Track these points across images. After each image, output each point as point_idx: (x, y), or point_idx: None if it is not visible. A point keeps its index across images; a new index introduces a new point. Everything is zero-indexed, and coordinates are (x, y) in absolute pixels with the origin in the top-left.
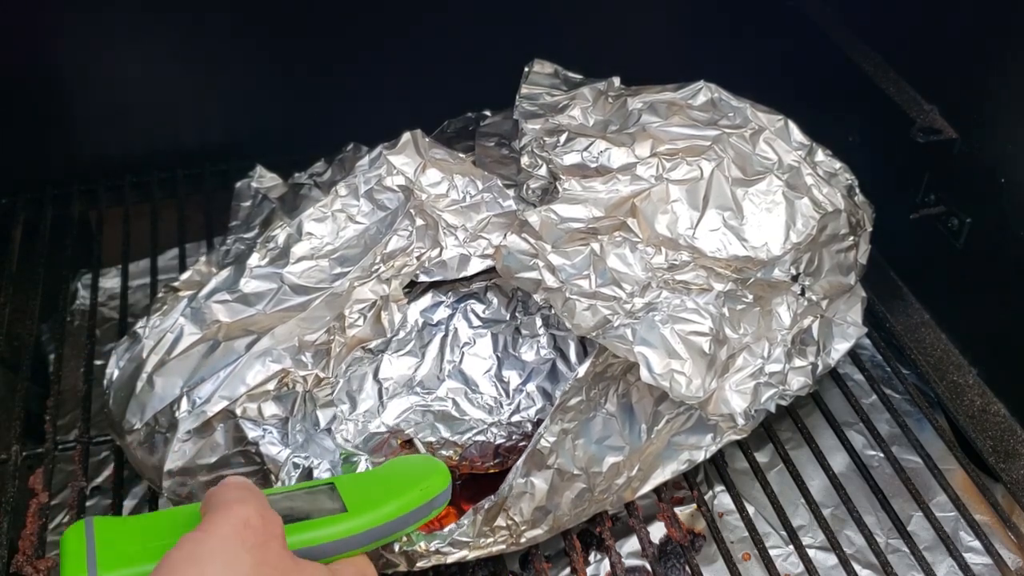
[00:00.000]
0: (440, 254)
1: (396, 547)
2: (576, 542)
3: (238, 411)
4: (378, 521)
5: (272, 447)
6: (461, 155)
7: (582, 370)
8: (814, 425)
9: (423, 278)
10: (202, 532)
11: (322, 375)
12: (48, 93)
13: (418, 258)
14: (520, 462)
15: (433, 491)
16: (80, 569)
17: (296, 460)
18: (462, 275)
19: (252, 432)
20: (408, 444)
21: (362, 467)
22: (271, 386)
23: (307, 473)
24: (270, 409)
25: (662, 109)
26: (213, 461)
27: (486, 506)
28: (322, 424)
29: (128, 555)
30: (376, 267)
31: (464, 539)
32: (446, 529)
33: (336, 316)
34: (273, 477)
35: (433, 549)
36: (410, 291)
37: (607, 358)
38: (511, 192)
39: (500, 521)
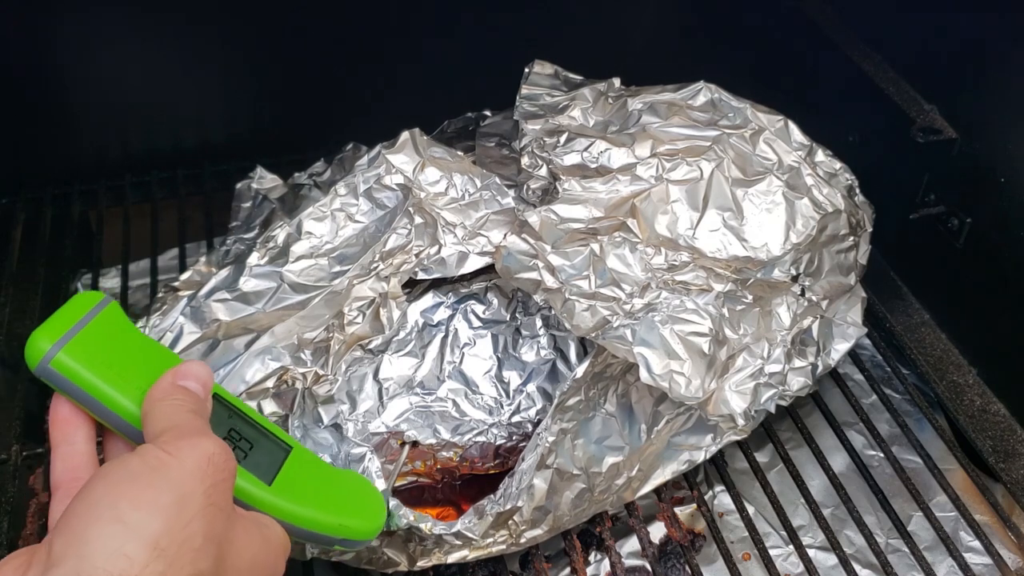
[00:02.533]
0: (439, 251)
1: (396, 525)
2: (576, 542)
3: None
4: (286, 516)
5: None
6: (460, 153)
7: (580, 370)
8: (814, 425)
9: (422, 275)
10: (167, 455)
11: (321, 372)
12: (48, 93)
13: (417, 256)
14: (527, 464)
15: (350, 534)
16: (56, 332)
17: None
18: (461, 272)
19: None
20: (413, 446)
21: (367, 462)
22: (270, 383)
23: None
24: (270, 406)
25: (662, 109)
26: None
27: (495, 509)
28: (325, 421)
29: (99, 358)
30: (375, 265)
31: (470, 535)
32: (457, 523)
33: (335, 314)
34: None
35: (436, 532)
36: (410, 291)
37: (606, 358)
38: (510, 190)
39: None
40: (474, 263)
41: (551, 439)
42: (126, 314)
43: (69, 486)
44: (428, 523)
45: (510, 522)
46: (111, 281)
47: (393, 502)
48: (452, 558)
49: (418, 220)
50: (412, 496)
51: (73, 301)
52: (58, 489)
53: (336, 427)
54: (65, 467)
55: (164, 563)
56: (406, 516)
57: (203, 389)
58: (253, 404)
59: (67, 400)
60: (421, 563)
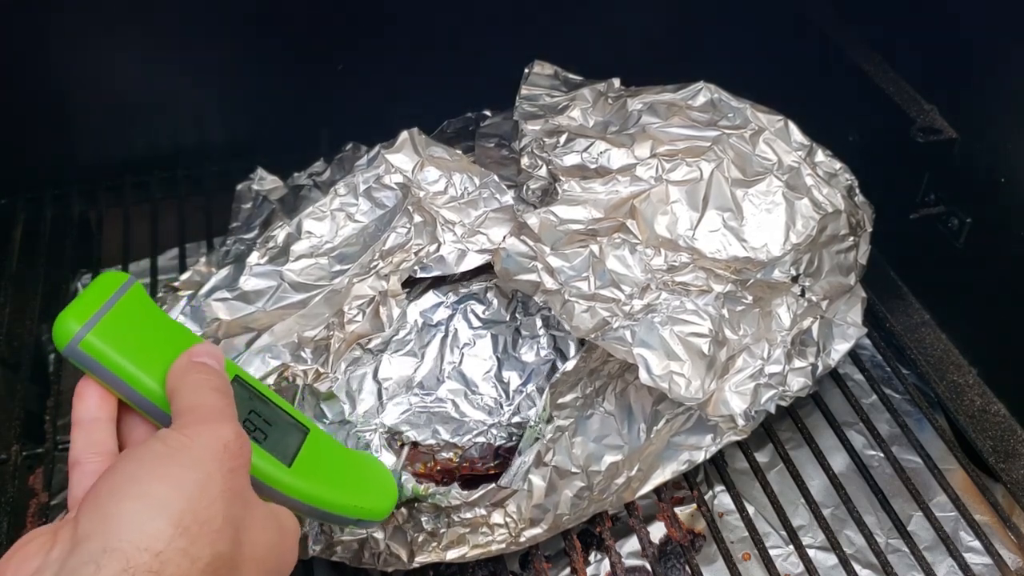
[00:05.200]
0: (438, 250)
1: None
2: (576, 542)
3: None
4: (307, 498)
5: None
6: (459, 152)
7: (570, 364)
8: (814, 425)
9: (421, 274)
10: (185, 437)
11: (322, 370)
12: (48, 93)
13: (416, 254)
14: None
15: (365, 515)
16: (86, 313)
17: None
18: (460, 270)
19: None
20: (413, 447)
21: (375, 442)
22: (271, 381)
23: None
24: None
25: (662, 110)
26: None
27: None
28: (330, 418)
29: (126, 339)
30: (375, 264)
31: (455, 502)
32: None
33: (335, 312)
34: None
35: (429, 492)
36: (410, 290)
37: (602, 355)
38: (509, 189)
39: (498, 518)
40: (473, 261)
41: (549, 435)
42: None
43: (87, 464)
44: (428, 486)
45: (508, 519)
46: None
47: (404, 476)
48: (451, 555)
49: (417, 219)
50: None
51: (98, 281)
52: (76, 465)
53: (339, 423)
54: (87, 443)
55: (187, 540)
56: (410, 481)
57: (218, 364)
58: None
59: (94, 379)
60: (420, 559)
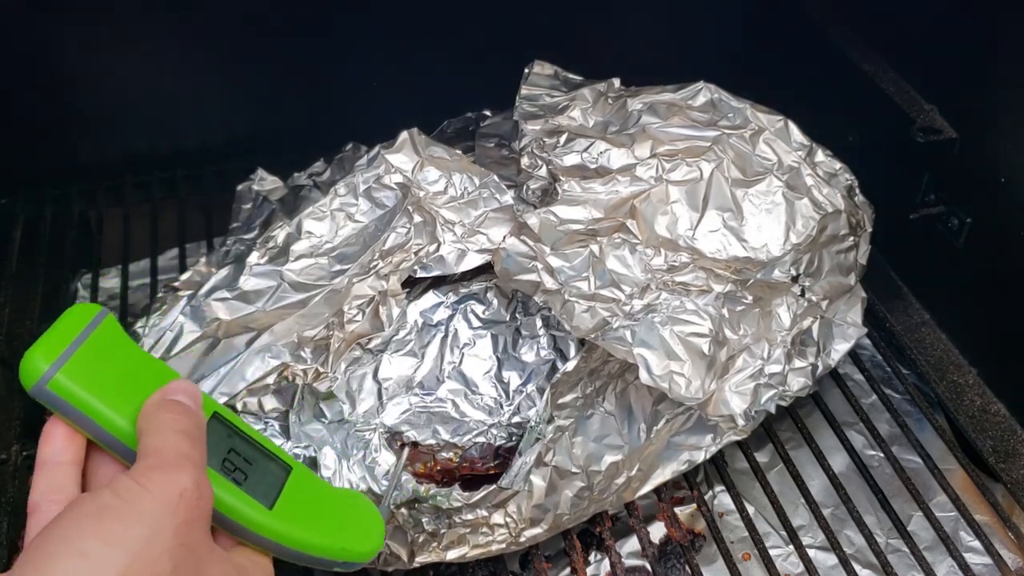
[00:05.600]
0: (438, 249)
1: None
2: (576, 542)
3: (239, 406)
4: (289, 542)
5: (275, 440)
6: (458, 152)
7: (571, 365)
8: (814, 425)
9: (421, 273)
10: (139, 486)
11: (321, 370)
12: (48, 93)
13: (416, 254)
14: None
15: (351, 556)
16: (55, 350)
17: (297, 451)
18: (460, 270)
19: (254, 426)
20: (413, 447)
21: (375, 441)
22: (271, 380)
23: (310, 463)
24: (270, 403)
25: (662, 110)
26: None
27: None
28: (329, 417)
29: (97, 377)
30: (375, 264)
31: (456, 504)
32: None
33: (335, 312)
34: None
35: (430, 493)
36: (410, 290)
37: (602, 355)
38: (509, 189)
39: (499, 518)
40: (473, 260)
41: (549, 435)
42: (123, 326)
43: (47, 509)
44: (428, 487)
45: (508, 519)
46: (111, 281)
47: (404, 476)
48: (451, 555)
49: (417, 219)
50: None
51: (69, 314)
52: (35, 511)
53: (338, 423)
54: (48, 487)
55: None
56: (410, 482)
57: (193, 402)
58: (253, 401)
59: (62, 420)
60: (420, 559)
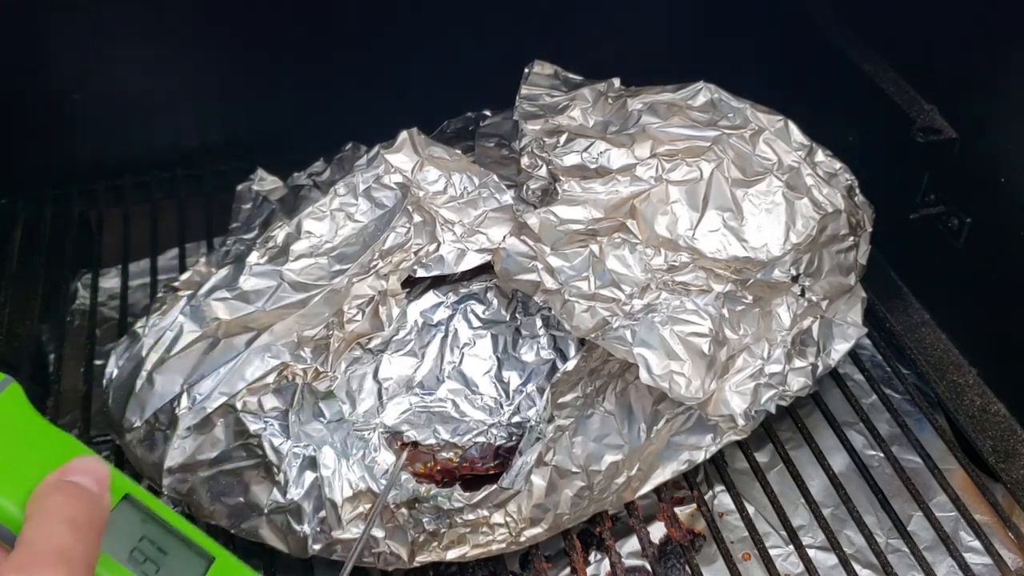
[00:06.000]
0: (438, 249)
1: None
2: (576, 542)
3: (238, 405)
4: None
5: (274, 439)
6: (458, 152)
7: (571, 364)
8: (814, 425)
9: (421, 273)
10: None
11: (321, 369)
12: (48, 93)
13: (416, 254)
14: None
15: None
16: None
17: (296, 450)
18: (460, 270)
19: (254, 425)
20: (413, 447)
21: (374, 440)
22: (270, 379)
23: (310, 462)
24: (270, 402)
25: (662, 110)
26: (214, 456)
27: (498, 495)
28: (328, 417)
29: None
30: (374, 263)
31: (457, 504)
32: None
33: (335, 312)
34: (275, 469)
35: (431, 493)
36: (410, 290)
37: (602, 354)
38: (509, 189)
39: (499, 518)
40: (472, 260)
41: (549, 434)
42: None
43: None
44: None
45: (508, 519)
46: (111, 281)
47: (404, 475)
48: (451, 555)
49: (417, 218)
50: None
51: None
52: None
53: (337, 422)
54: None
55: None
56: (410, 482)
57: (97, 484)
58: (253, 400)
59: None
60: (420, 558)
